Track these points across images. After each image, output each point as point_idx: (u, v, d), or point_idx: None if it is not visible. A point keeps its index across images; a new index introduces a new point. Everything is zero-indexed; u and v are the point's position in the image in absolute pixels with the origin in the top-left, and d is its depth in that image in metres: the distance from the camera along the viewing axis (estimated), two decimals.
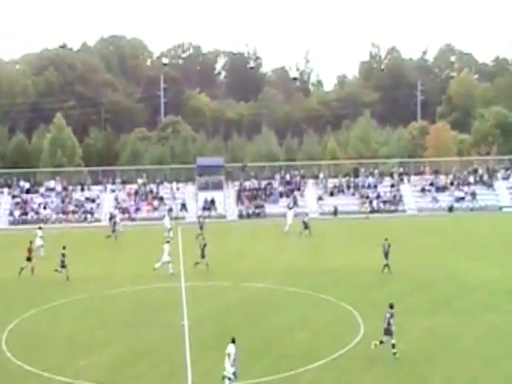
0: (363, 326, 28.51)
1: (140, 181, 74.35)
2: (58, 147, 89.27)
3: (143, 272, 40.79)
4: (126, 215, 69.32)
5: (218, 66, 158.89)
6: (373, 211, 69.82)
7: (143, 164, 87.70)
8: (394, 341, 24.46)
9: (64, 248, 40.41)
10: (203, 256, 41.07)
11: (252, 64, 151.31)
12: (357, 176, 75.67)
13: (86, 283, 38.66)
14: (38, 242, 46.91)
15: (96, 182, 74.89)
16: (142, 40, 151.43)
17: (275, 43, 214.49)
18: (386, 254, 39.79)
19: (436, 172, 76.45)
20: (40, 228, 49.77)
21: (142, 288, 37.17)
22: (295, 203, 70.66)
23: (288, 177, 75.49)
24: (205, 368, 24.15)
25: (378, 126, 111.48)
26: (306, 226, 54.69)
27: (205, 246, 41.46)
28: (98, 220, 69.00)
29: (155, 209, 70.79)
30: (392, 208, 71.15)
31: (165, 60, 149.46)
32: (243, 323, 29.60)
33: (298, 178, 75.21)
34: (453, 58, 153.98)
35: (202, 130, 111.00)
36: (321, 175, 76.00)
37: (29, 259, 41.43)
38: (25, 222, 67.31)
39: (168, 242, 42.36)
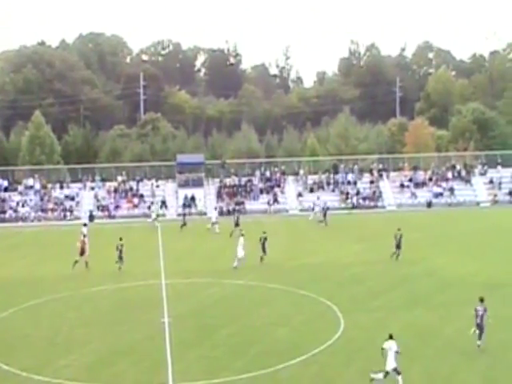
0: (343, 321, 28.67)
1: (120, 178, 74.02)
2: (37, 145, 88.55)
3: (124, 270, 40.66)
4: (106, 213, 69.08)
5: (198, 63, 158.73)
6: (353, 207, 70.12)
7: (123, 161, 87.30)
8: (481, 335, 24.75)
9: (121, 239, 41.22)
10: (264, 250, 41.85)
11: (232, 61, 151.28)
12: (336, 172, 75.88)
13: (65, 281, 38.44)
14: (81, 239, 46.56)
15: (75, 180, 74.42)
16: (122, 37, 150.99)
17: (255, 40, 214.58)
18: (398, 244, 41.68)
19: (415, 168, 76.89)
20: (85, 225, 49.68)
21: (123, 286, 37.07)
22: (275, 200, 70.86)
23: (268, 173, 75.55)
24: (186, 365, 24.17)
25: (357, 122, 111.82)
26: (325, 215, 58.72)
27: (265, 239, 42.04)
28: (77, 218, 68.57)
29: (135, 206, 70.55)
30: (371, 204, 71.46)
31: (144, 57, 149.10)
32: (224, 320, 29.64)
33: (278, 175, 75.30)
34: (431, 55, 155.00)
35: (182, 127, 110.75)
36: (301, 172, 76.14)
37: (82, 253, 41.89)
38: (3, 221, 66.74)
39: (243, 235, 42.23)
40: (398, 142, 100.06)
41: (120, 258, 40.93)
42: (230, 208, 69.04)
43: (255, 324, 28.99)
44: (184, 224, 58.56)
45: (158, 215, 66.40)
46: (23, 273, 41.46)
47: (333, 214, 66.97)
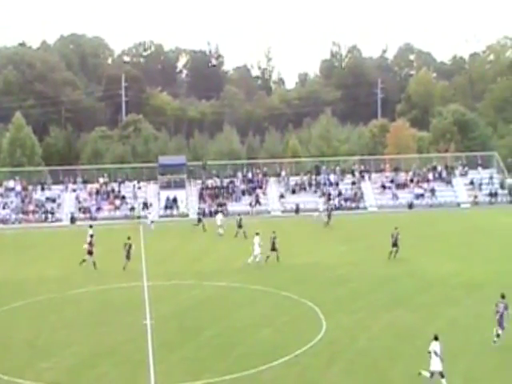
0: (325, 322, 28.75)
1: (101, 180, 73.75)
2: (18, 146, 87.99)
3: (105, 272, 40.54)
4: (87, 215, 68.79)
5: (180, 65, 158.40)
6: (334, 208, 70.30)
7: (104, 163, 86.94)
8: (500, 331, 24.99)
9: (129, 238, 41.73)
10: (274, 249, 42.03)
11: (214, 62, 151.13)
12: (318, 174, 76.12)
13: (47, 284, 38.26)
14: (88, 240, 46.41)
15: (56, 182, 74.03)
16: (103, 38, 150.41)
17: (237, 41, 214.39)
18: (395, 242, 42.14)
19: (396, 169, 77.30)
20: (91, 226, 49.61)
21: (105, 288, 36.93)
22: (257, 201, 70.94)
23: (250, 175, 75.63)
24: (167, 367, 24.14)
25: (338, 123, 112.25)
26: (329, 216, 59.33)
27: (275, 238, 42.33)
28: (58, 220, 68.29)
29: (117, 208, 70.33)
30: (353, 205, 71.77)
31: (126, 58, 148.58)
32: (206, 322, 29.63)
33: (259, 176, 75.39)
34: (412, 57, 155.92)
35: (164, 129, 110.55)
36: (283, 173, 76.28)
37: (90, 253, 42.02)
38: None
39: (258, 233, 42.44)
40: (379, 144, 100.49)
41: (127, 257, 41.37)
42: (213, 209, 69.01)
43: (238, 325, 29.01)
44: (197, 224, 58.19)
45: (139, 217, 66.36)
46: (4, 275, 41.18)
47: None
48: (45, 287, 37.25)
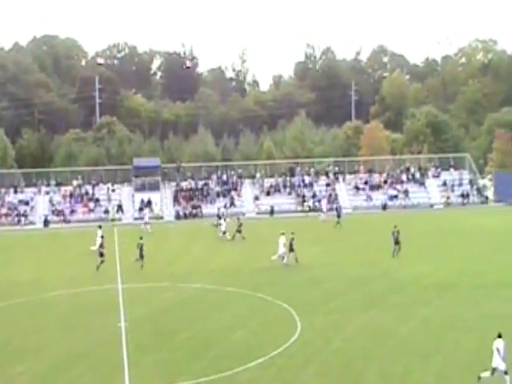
0: (300, 323, 28.85)
1: (75, 182, 73.27)
2: None
3: (79, 275, 40.30)
4: (61, 217, 68.29)
5: (154, 66, 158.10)
6: (309, 210, 70.59)
7: (78, 165, 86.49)
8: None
9: (141, 238, 42.15)
10: (291, 250, 41.58)
11: (188, 64, 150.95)
12: (293, 175, 76.34)
13: (19, 287, 37.92)
14: (99, 241, 45.95)
15: (30, 184, 73.42)
16: (77, 40, 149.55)
17: (211, 43, 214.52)
18: (396, 240, 42.69)
19: (370, 171, 77.79)
20: (100, 227, 48.94)
21: (78, 291, 36.69)
22: (232, 203, 70.96)
23: (225, 177, 75.61)
24: (142, 370, 24.07)
25: (313, 125, 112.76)
26: (339, 215, 58.45)
27: (292, 240, 41.84)
28: (32, 223, 67.70)
29: (91, 210, 69.90)
30: (328, 207, 71.91)
31: (100, 60, 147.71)
32: (181, 324, 29.59)
33: (234, 178, 75.41)
34: (385, 59, 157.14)
35: (138, 131, 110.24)
36: (257, 175, 76.39)
37: (102, 255, 41.63)
38: None
39: (283, 233, 42.34)
40: (353, 145, 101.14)
41: (141, 256, 41.53)
42: (187, 212, 68.87)
43: (212, 327, 29.01)
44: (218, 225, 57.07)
45: (113, 219, 66.07)
46: None
47: (289, 217, 67.49)
48: (17, 291, 36.91)
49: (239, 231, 52.71)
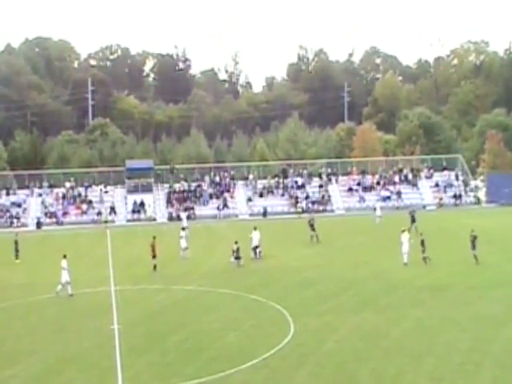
0: (293, 325, 28.85)
1: (68, 184, 73.13)
2: None
3: (72, 277, 40.12)
4: (54, 219, 68.14)
5: (147, 68, 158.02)
6: (302, 211, 70.61)
7: (71, 167, 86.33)
8: None
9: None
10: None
11: (181, 66, 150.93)
12: (286, 177, 76.38)
13: (11, 290, 37.80)
14: (183, 243, 45.90)
15: (22, 186, 73.26)
16: (69, 42, 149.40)
17: (204, 45, 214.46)
18: (473, 245, 40.64)
19: (363, 172, 77.90)
20: (183, 229, 48.46)
21: (71, 293, 36.55)
22: (225, 205, 70.95)
23: (217, 178, 75.60)
24: (135, 372, 24.01)
25: (306, 127, 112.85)
26: (413, 220, 54.51)
27: (423, 240, 41.25)
28: (24, 225, 67.50)
29: (83, 213, 69.77)
30: (321, 208, 72.10)
31: (92, 62, 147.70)
32: (174, 326, 29.55)
33: (227, 180, 75.40)
34: (378, 61, 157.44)
35: (131, 133, 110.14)
36: (250, 176, 76.41)
37: (154, 256, 41.37)
38: None
39: (404, 230, 42.40)
40: (346, 147, 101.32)
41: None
42: (180, 213, 68.79)
43: (205, 329, 28.97)
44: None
45: (106, 221, 66.02)
46: None
47: (282, 219, 67.54)
48: (9, 293, 36.79)
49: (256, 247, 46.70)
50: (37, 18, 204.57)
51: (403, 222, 61.30)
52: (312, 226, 51.48)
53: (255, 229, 46.01)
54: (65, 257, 36.77)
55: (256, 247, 44.93)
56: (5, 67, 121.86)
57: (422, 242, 41.30)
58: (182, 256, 45.62)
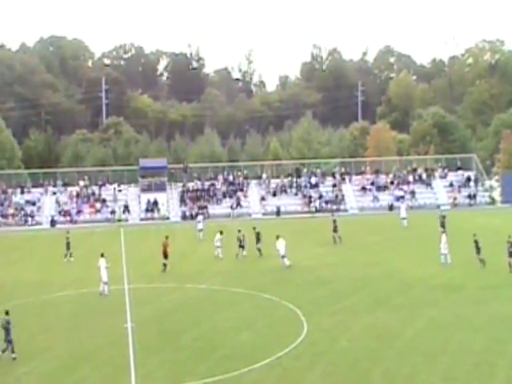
0: (306, 324, 28.81)
1: (82, 183, 73.43)
2: None
3: (86, 275, 40.31)
4: (68, 218, 68.44)
5: (161, 67, 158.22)
6: (315, 211, 70.54)
7: (85, 166, 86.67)
8: None
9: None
10: (479, 252, 39.56)
11: (194, 65, 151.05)
12: (299, 176, 76.30)
13: (26, 287, 38.00)
14: (217, 243, 46.02)
15: (36, 185, 73.65)
16: (83, 41, 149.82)
17: (218, 44, 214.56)
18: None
19: (376, 171, 77.69)
20: (221, 233, 46.96)
21: (85, 291, 36.73)
22: (238, 204, 70.99)
23: (231, 177, 75.63)
24: (149, 370, 24.06)
25: (319, 126, 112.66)
26: (443, 225, 52.10)
27: (476, 242, 39.76)
28: (38, 223, 67.87)
29: (97, 211, 70.01)
30: (334, 207, 71.93)
31: (106, 61, 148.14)
32: (187, 324, 29.59)
33: (240, 179, 75.43)
34: (392, 60, 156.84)
35: (145, 132, 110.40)
36: (263, 176, 76.39)
37: (165, 256, 41.15)
38: None
39: (444, 231, 42.03)
40: (359, 146, 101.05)
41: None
42: (193, 212, 68.89)
43: (218, 328, 28.99)
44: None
45: (120, 220, 66.23)
46: None
47: (295, 218, 67.48)
48: (24, 291, 36.98)
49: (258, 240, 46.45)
50: (51, 17, 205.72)
51: (418, 222, 61.26)
52: (335, 227, 50.59)
53: (278, 237, 42.48)
54: (102, 255, 36.60)
55: (283, 257, 41.69)
56: (20, 66, 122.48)
57: (477, 244, 39.86)
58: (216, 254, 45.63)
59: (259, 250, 45.35)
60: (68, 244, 46.68)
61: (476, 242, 39.89)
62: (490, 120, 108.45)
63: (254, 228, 47.66)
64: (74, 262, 45.85)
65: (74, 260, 46.06)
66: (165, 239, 42.22)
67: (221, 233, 46.25)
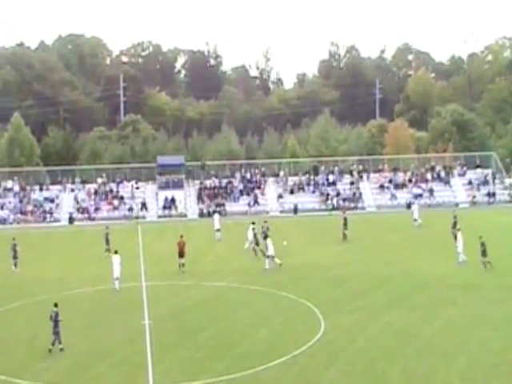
0: (324, 322, 28.76)
1: (100, 180, 73.75)
2: (16, 147, 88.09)
3: (103, 272, 40.48)
4: (86, 215, 68.77)
5: (178, 65, 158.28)
6: (333, 209, 70.32)
7: (103, 163, 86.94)
8: None
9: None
10: (485, 255, 38.53)
11: (212, 62, 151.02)
12: (317, 174, 76.12)
13: (44, 284, 38.25)
14: (250, 236, 46.30)
15: (55, 182, 74.06)
16: (101, 38, 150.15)
17: (235, 41, 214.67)
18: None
19: (394, 169, 77.30)
20: (253, 223, 47.66)
21: (102, 288, 36.92)
22: (256, 201, 70.96)
23: (248, 175, 75.60)
24: (166, 367, 24.14)
25: (337, 124, 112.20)
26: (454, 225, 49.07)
27: (483, 244, 38.77)
28: (57, 220, 68.27)
29: (115, 208, 70.30)
30: (352, 205, 71.68)
31: (124, 59, 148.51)
32: (204, 322, 29.64)
33: (258, 177, 75.38)
34: (410, 57, 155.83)
35: (163, 129, 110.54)
36: (281, 173, 76.29)
37: (181, 255, 40.90)
38: None
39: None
40: (377, 144, 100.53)
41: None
42: (211, 210, 68.93)
43: (236, 326, 29.01)
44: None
45: (137, 217, 66.42)
46: (1, 276, 41.14)
47: (313, 216, 67.35)
48: (42, 288, 37.22)
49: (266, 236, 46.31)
50: (70, 15, 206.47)
51: (434, 220, 60.90)
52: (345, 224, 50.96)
53: (266, 238, 42.96)
54: (116, 252, 36.82)
55: (272, 257, 41.27)
56: (38, 64, 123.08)
57: (484, 247, 38.94)
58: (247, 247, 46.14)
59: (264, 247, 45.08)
60: (107, 240, 46.84)
61: (483, 244, 38.78)
62: (509, 118, 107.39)
63: (266, 222, 48.49)
64: (91, 259, 46.06)
65: (107, 255, 45.86)
66: (180, 238, 42.05)
67: (253, 223, 46.65)
